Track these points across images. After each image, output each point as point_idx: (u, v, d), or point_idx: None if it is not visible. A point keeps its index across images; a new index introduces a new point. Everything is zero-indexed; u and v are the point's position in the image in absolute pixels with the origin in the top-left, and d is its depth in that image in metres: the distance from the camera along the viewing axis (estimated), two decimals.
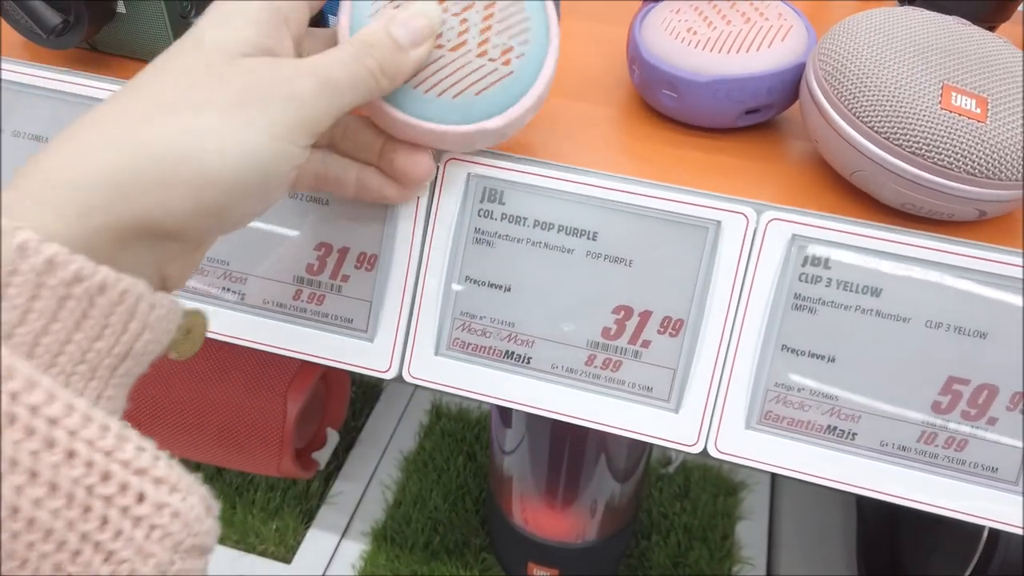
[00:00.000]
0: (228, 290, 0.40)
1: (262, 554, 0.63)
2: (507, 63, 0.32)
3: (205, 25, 0.29)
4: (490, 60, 0.32)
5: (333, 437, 0.68)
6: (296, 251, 0.39)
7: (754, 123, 0.40)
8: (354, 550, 0.63)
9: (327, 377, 0.66)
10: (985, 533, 0.46)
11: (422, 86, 0.32)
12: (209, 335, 0.40)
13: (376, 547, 0.63)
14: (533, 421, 0.54)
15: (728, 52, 0.38)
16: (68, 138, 0.26)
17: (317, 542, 0.64)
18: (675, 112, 0.40)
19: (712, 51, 0.38)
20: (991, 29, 0.42)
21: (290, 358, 0.61)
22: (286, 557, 0.63)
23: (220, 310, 0.40)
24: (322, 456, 0.66)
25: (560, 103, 0.41)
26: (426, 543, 0.63)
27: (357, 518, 0.66)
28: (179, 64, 0.28)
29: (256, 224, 0.39)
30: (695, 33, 0.39)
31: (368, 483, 0.69)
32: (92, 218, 0.24)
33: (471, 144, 0.34)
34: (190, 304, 0.28)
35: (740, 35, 0.39)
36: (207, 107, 0.26)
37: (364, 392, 0.77)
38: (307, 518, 0.65)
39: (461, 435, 0.71)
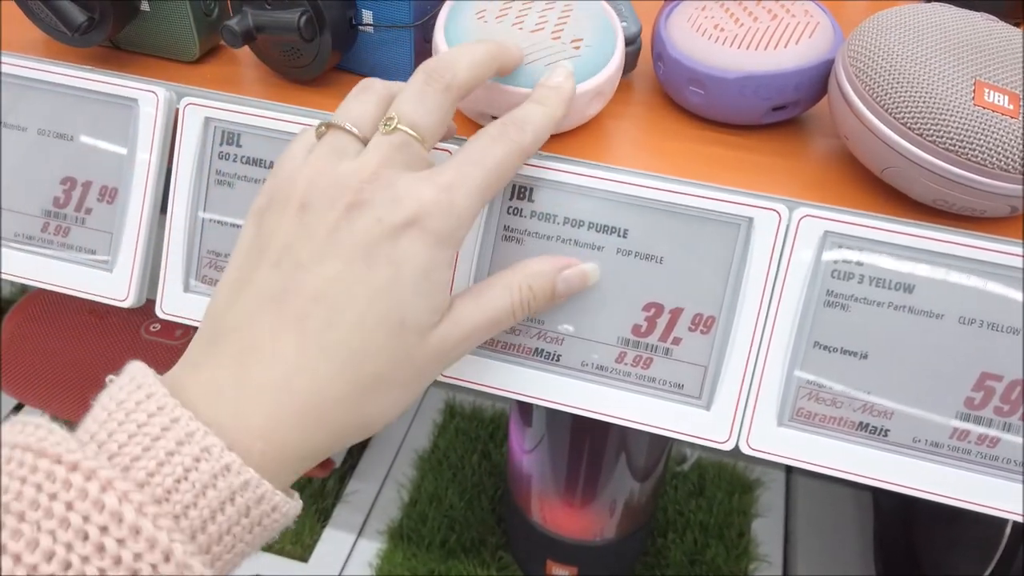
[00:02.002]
0: None
1: (278, 553, 0.62)
2: (576, 48, 0.36)
3: (409, 305, 0.30)
4: (562, 44, 0.36)
5: None
6: None
7: (781, 120, 0.40)
8: (370, 549, 0.63)
9: None
10: (1008, 530, 0.46)
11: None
12: None
13: (393, 545, 0.63)
14: (553, 420, 0.54)
15: (756, 49, 0.38)
16: (285, 392, 0.28)
17: (333, 541, 0.64)
18: (701, 109, 0.40)
19: (739, 48, 0.38)
20: (1017, 26, 0.42)
21: None
22: (303, 556, 0.62)
23: None
24: (337, 455, 0.66)
25: None
26: (443, 541, 0.63)
27: (373, 517, 0.66)
28: (381, 344, 0.29)
29: None
30: (722, 30, 0.39)
31: (383, 482, 0.69)
32: (285, 458, 0.28)
33: None
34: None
35: (767, 32, 0.39)
36: (399, 387, 0.30)
37: None
38: (323, 517, 0.65)
39: (475, 433, 0.71)
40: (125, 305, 0.40)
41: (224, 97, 0.40)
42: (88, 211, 0.41)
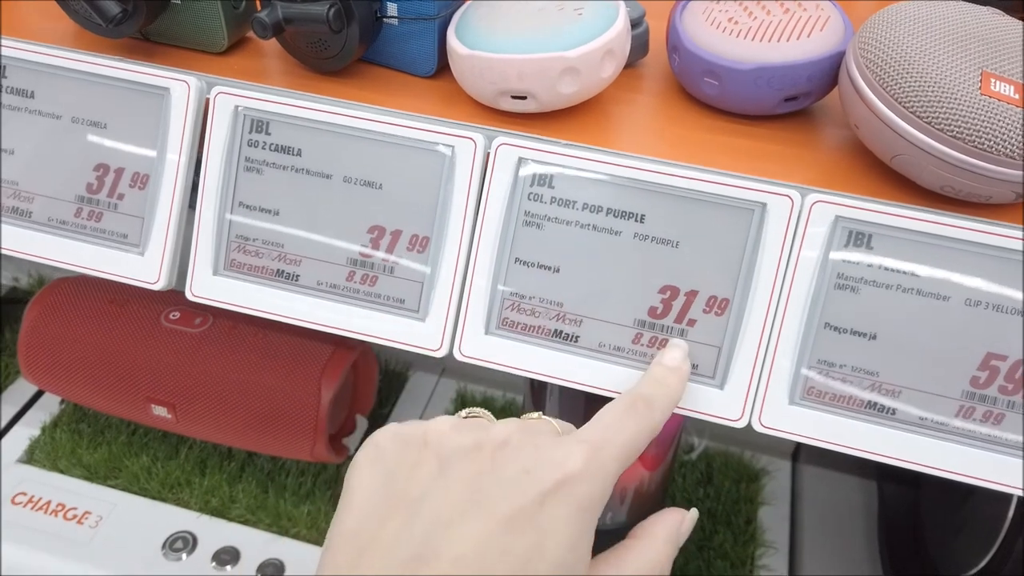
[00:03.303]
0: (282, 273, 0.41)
1: (295, 537, 0.64)
2: (579, 14, 0.38)
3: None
4: (563, 12, 0.38)
5: (362, 424, 0.69)
6: (351, 234, 0.40)
7: (793, 110, 0.41)
8: None
9: (356, 364, 0.67)
10: (1010, 513, 0.47)
11: (507, 25, 0.38)
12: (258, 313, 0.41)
13: None
14: (566, 407, 0.55)
15: (769, 41, 0.39)
16: None
17: None
18: (716, 99, 0.42)
19: (753, 40, 0.39)
20: (1022, 19, 0.43)
21: (323, 345, 0.62)
22: (318, 540, 0.64)
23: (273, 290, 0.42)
24: (352, 442, 0.67)
25: (602, 92, 0.42)
26: None
27: None
28: None
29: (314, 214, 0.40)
30: (736, 23, 0.40)
31: None
32: None
33: (556, 78, 0.38)
34: None
35: (780, 25, 0.40)
36: None
37: (391, 381, 0.78)
38: (338, 502, 0.66)
39: None
40: (157, 287, 0.42)
41: (253, 87, 0.41)
42: (120, 197, 0.42)
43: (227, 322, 0.64)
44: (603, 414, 0.31)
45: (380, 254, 0.40)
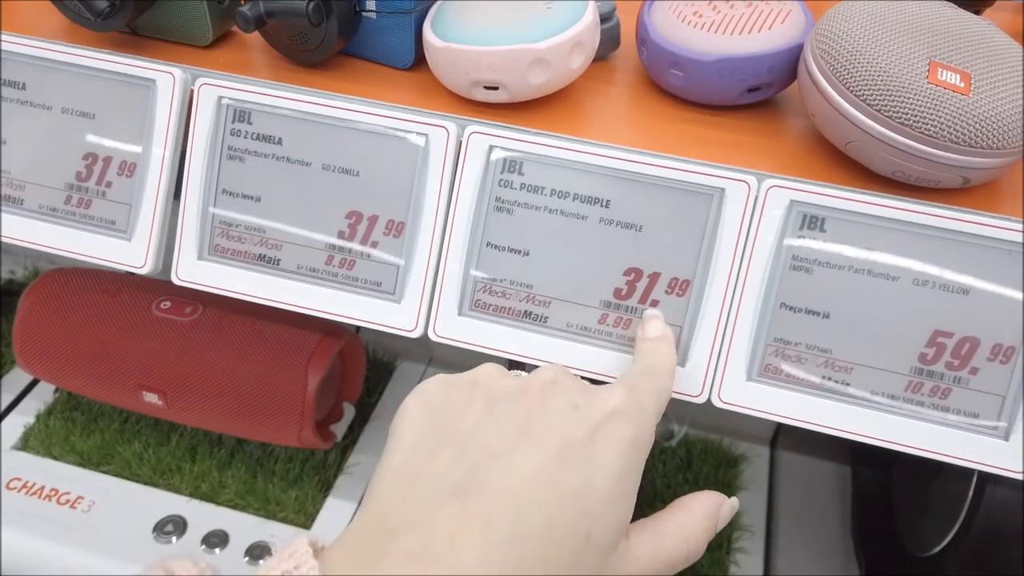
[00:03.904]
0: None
1: (283, 521, 0.65)
2: (548, 8, 0.40)
3: (598, 518, 0.27)
4: (535, 7, 0.40)
5: (349, 411, 0.70)
6: (329, 219, 0.41)
7: (756, 101, 0.43)
8: None
9: (343, 352, 0.68)
10: (970, 494, 0.49)
11: (479, 18, 0.40)
12: (244, 298, 0.43)
13: None
14: None
15: (731, 33, 0.41)
16: None
17: (335, 510, 0.66)
18: (682, 90, 0.43)
19: (716, 32, 0.41)
20: (977, 13, 0.44)
21: (310, 333, 0.64)
22: (306, 524, 0.65)
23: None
24: (339, 428, 0.69)
25: (573, 82, 0.44)
26: None
27: None
28: (566, 559, 0.26)
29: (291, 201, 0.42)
30: (700, 16, 0.42)
31: None
32: None
33: (526, 69, 0.39)
34: None
35: (743, 18, 0.41)
36: None
37: (378, 371, 0.79)
38: (325, 487, 0.68)
39: None
40: (143, 272, 0.43)
41: (235, 78, 0.43)
42: (108, 184, 0.44)
43: (216, 311, 0.65)
44: (623, 376, 0.33)
45: (357, 239, 0.41)
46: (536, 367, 0.32)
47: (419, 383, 0.31)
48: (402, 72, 0.45)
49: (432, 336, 0.41)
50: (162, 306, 0.66)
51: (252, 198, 0.42)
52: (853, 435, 0.37)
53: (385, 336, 0.80)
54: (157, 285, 0.67)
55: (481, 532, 0.25)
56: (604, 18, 0.46)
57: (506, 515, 0.25)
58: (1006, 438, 0.36)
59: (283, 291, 0.42)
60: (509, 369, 0.32)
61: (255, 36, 0.47)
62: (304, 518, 0.66)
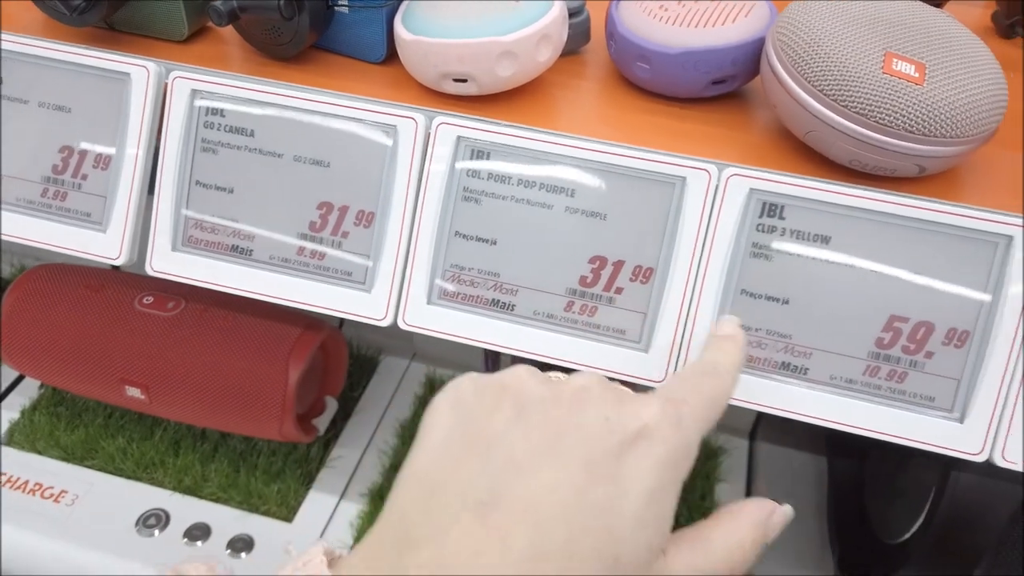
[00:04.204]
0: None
1: (265, 514, 0.66)
2: (517, 2, 0.41)
3: (627, 540, 0.25)
4: (504, 0, 0.41)
5: (332, 405, 0.71)
6: (300, 210, 0.42)
7: (721, 93, 0.44)
8: (352, 510, 0.66)
9: (325, 347, 0.69)
10: (935, 482, 0.50)
11: (449, 12, 0.40)
12: (223, 288, 0.43)
13: (373, 506, 0.66)
14: None
15: (696, 27, 0.42)
16: None
17: (317, 503, 0.67)
18: (648, 83, 0.44)
19: (681, 26, 0.42)
20: (938, 6, 0.45)
21: (291, 327, 0.64)
22: (288, 516, 0.66)
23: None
24: (321, 422, 0.69)
25: (544, 76, 0.44)
26: None
27: (355, 481, 0.69)
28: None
29: (263, 189, 0.43)
30: (666, 10, 0.43)
31: (365, 448, 0.72)
32: None
33: (494, 61, 0.40)
34: None
35: (707, 11, 0.42)
36: None
37: (361, 365, 0.80)
38: (307, 480, 0.68)
39: None
40: (118, 263, 0.44)
41: (208, 72, 0.43)
42: (84, 177, 0.45)
43: (199, 306, 0.66)
44: (677, 376, 0.32)
45: (328, 229, 0.42)
46: (572, 371, 0.31)
47: (454, 383, 0.30)
48: (375, 66, 0.46)
49: (401, 325, 0.41)
50: (145, 301, 0.67)
51: (225, 190, 0.43)
52: (813, 419, 0.37)
53: (368, 330, 0.80)
54: (140, 280, 0.68)
55: (499, 549, 0.24)
56: (573, 13, 0.46)
57: (525, 532, 0.24)
58: (961, 420, 0.36)
59: (255, 281, 0.43)
60: (543, 371, 0.31)
61: (231, 31, 0.48)
62: (286, 511, 0.66)
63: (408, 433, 0.72)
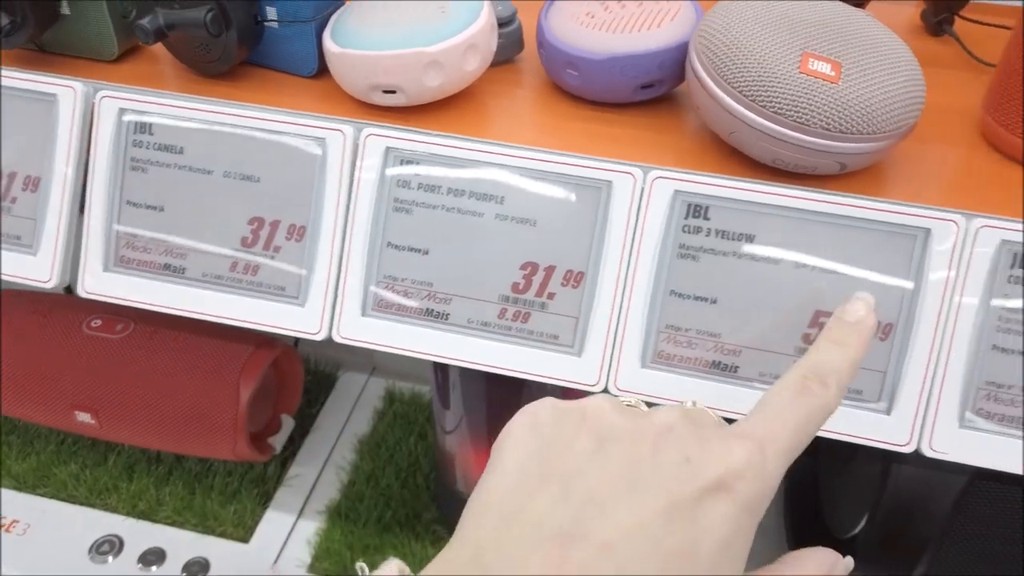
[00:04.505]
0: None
1: (221, 535, 0.65)
2: (443, 12, 0.41)
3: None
4: (428, 7, 0.41)
5: (288, 423, 0.70)
6: (232, 226, 0.42)
7: (651, 97, 0.44)
8: (310, 528, 0.66)
9: (279, 364, 0.68)
10: (879, 477, 0.50)
11: (376, 23, 0.41)
12: (157, 308, 0.43)
13: (331, 524, 0.66)
14: (469, 398, 0.57)
15: (622, 32, 0.42)
16: None
17: (274, 522, 0.66)
18: (578, 89, 0.44)
19: (607, 32, 0.42)
20: (860, 6, 0.46)
21: (242, 346, 0.64)
22: (244, 537, 0.65)
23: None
24: (278, 441, 0.69)
25: (477, 84, 0.44)
26: (379, 518, 0.65)
27: (313, 498, 0.68)
28: None
29: (195, 202, 0.42)
30: (593, 17, 0.43)
31: (324, 465, 0.71)
32: None
33: (420, 72, 0.40)
34: None
35: (634, 17, 0.43)
36: None
37: (319, 381, 0.80)
38: (264, 500, 0.68)
39: (414, 417, 0.75)
40: (48, 287, 0.43)
41: (135, 90, 0.43)
42: (14, 200, 0.44)
43: (148, 327, 0.65)
44: (770, 399, 0.29)
45: (260, 244, 0.42)
46: (658, 405, 0.29)
47: (532, 406, 0.29)
48: (307, 80, 0.46)
49: (336, 338, 0.41)
50: (93, 324, 0.66)
51: (156, 208, 0.42)
52: (740, 416, 0.38)
53: (326, 346, 0.80)
54: (88, 304, 0.67)
55: None
56: (505, 22, 0.47)
57: (603, 572, 0.24)
58: (888, 412, 0.37)
59: (189, 299, 0.42)
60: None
61: (164, 49, 0.48)
62: (243, 532, 0.66)
63: (366, 448, 0.72)
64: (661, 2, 0.43)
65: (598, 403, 0.28)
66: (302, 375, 0.72)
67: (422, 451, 0.71)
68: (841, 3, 0.41)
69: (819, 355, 0.31)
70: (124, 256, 0.43)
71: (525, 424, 0.28)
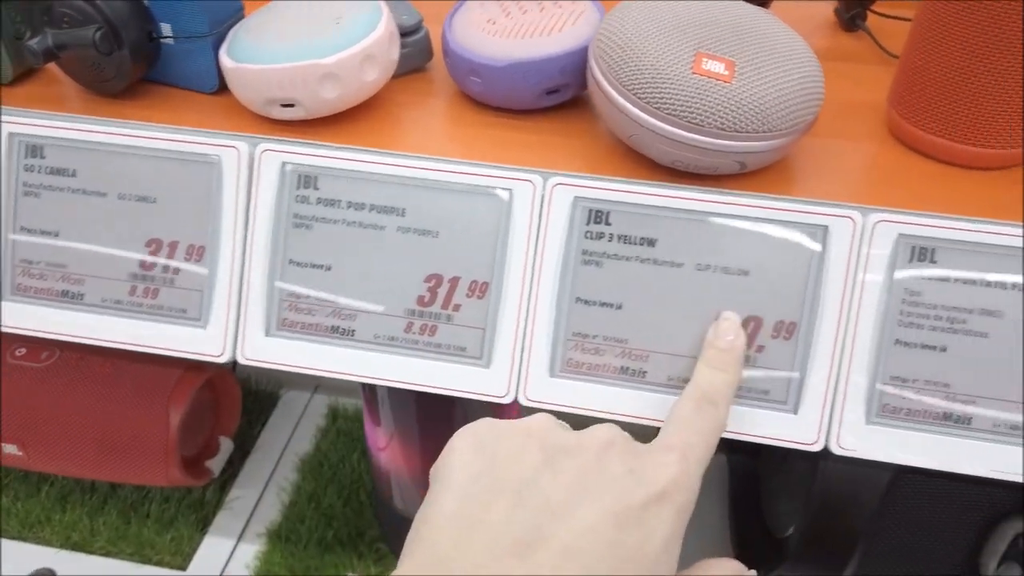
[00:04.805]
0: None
1: (158, 564, 0.63)
2: (338, 23, 0.40)
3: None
4: (324, 22, 0.40)
5: (227, 445, 0.69)
6: (129, 249, 0.41)
7: (557, 103, 0.43)
8: (250, 552, 0.64)
9: (214, 386, 0.67)
10: (810, 476, 0.50)
11: (271, 37, 0.40)
12: (57, 336, 0.42)
13: (272, 547, 0.64)
14: (397, 413, 0.56)
15: (524, 38, 0.42)
16: None
17: (213, 547, 0.65)
18: (483, 96, 0.44)
19: (508, 38, 0.42)
20: (763, 5, 0.46)
21: (171, 369, 0.62)
22: (182, 565, 0.63)
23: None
24: (216, 464, 0.67)
25: (384, 94, 0.44)
26: (320, 538, 0.64)
27: (253, 521, 0.67)
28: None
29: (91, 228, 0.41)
30: (494, 23, 0.42)
31: (265, 487, 0.70)
32: None
33: (316, 84, 0.39)
34: None
35: (534, 23, 0.42)
36: None
37: (260, 401, 0.78)
38: (203, 525, 0.66)
39: (357, 433, 0.73)
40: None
41: (24, 113, 0.42)
42: None
43: (74, 354, 0.64)
44: (677, 413, 0.32)
45: (159, 267, 0.40)
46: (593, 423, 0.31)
47: (470, 426, 0.30)
48: (211, 96, 0.45)
49: (241, 360, 0.40)
50: (17, 353, 0.64)
51: (50, 233, 0.41)
52: (653, 422, 0.37)
53: None
54: (10, 334, 0.65)
55: None
56: (411, 31, 0.46)
57: (567, 572, 0.25)
58: (795, 411, 0.37)
59: (87, 327, 0.41)
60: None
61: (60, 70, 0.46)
62: (180, 559, 0.64)
63: (308, 467, 0.71)
64: (564, 4, 0.43)
65: (541, 421, 0.30)
66: (239, 396, 0.70)
67: (365, 468, 0.70)
68: (740, 2, 0.41)
69: (703, 379, 0.34)
70: (20, 284, 0.42)
71: (469, 443, 0.29)
